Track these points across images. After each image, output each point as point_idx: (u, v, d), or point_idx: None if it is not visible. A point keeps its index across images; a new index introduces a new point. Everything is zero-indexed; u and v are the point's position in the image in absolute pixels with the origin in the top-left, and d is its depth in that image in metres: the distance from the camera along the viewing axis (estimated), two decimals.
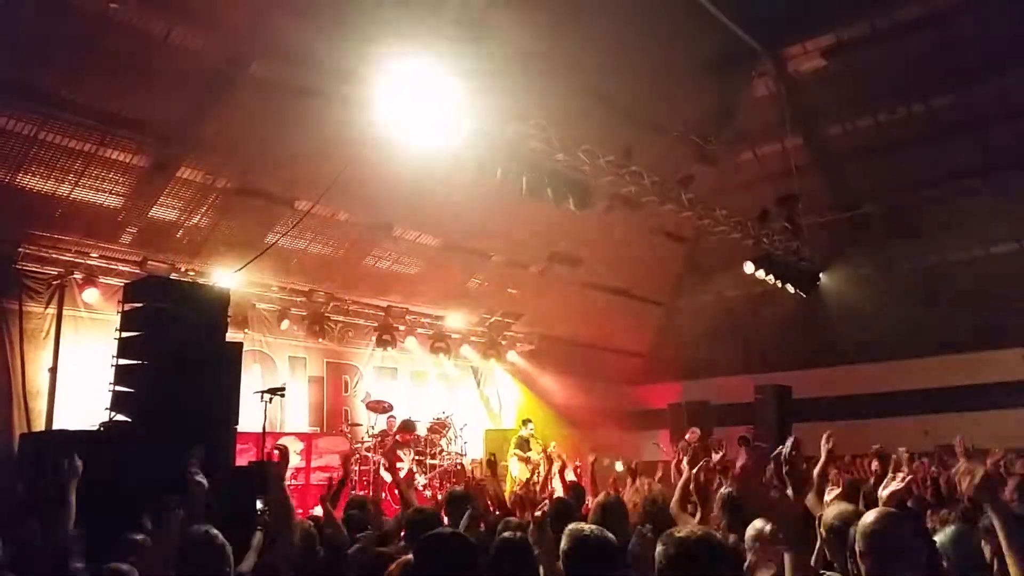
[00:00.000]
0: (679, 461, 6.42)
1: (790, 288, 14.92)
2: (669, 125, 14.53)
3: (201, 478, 4.15)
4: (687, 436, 14.39)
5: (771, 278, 14.26)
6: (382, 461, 12.28)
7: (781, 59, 14.52)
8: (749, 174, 16.25)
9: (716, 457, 5.65)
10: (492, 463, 7.39)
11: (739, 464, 9.20)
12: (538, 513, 4.13)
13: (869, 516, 3.06)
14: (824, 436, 5.45)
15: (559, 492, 7.82)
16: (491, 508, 6.24)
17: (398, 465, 11.93)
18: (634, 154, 11.79)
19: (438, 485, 13.09)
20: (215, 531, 3.25)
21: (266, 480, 6.70)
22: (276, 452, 4.09)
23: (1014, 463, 8.83)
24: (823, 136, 15.94)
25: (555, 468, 8.61)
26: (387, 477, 11.99)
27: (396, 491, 7.10)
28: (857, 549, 3.02)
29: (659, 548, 2.63)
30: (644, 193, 12.23)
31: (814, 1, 13.30)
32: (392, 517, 5.95)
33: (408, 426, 12.99)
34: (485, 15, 10.27)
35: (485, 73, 9.70)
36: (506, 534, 3.41)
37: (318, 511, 6.15)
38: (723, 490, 5.36)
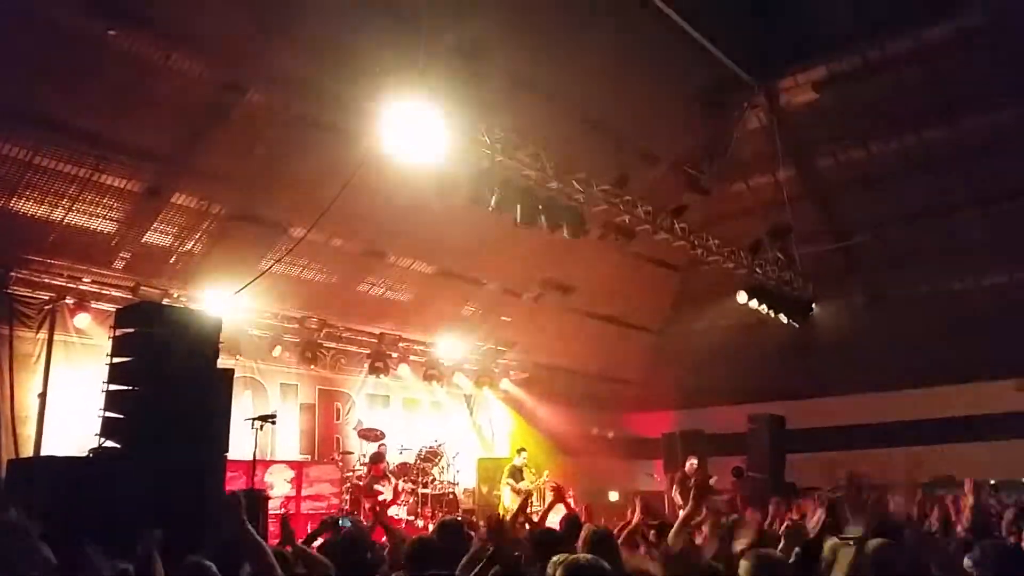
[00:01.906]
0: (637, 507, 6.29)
1: (783, 318, 14.94)
2: (662, 155, 14.63)
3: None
4: (686, 467, 14.30)
5: (764, 308, 14.28)
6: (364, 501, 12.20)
7: (773, 91, 14.66)
8: (742, 204, 16.32)
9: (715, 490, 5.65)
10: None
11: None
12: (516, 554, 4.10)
13: (869, 546, 3.06)
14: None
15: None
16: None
17: (381, 498, 11.89)
18: (628, 183, 11.85)
19: (429, 515, 12.98)
20: (207, 563, 3.18)
21: (256, 510, 6.64)
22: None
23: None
24: (815, 167, 16.05)
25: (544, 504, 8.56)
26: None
27: (380, 523, 7.03)
28: None
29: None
30: (637, 222, 12.27)
31: (806, 34, 13.47)
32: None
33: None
34: (481, 44, 10.36)
35: (480, 101, 9.77)
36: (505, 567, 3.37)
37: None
38: (722, 520, 5.33)
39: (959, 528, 6.64)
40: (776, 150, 14.98)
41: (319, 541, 5.66)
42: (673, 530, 5.24)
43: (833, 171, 15.93)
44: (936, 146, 14.57)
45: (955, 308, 15.47)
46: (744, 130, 15.57)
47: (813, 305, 16.29)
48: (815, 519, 4.62)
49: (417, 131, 9.05)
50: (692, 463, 14.29)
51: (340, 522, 6.55)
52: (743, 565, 3.33)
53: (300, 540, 5.22)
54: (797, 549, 4.19)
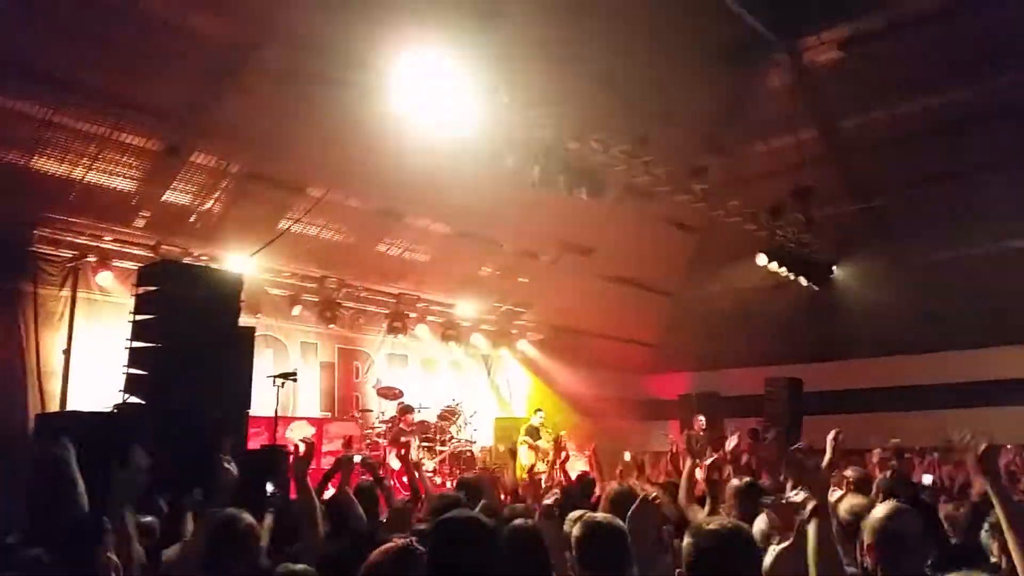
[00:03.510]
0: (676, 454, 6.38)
1: (803, 280, 14.86)
2: (682, 115, 14.46)
3: (231, 466, 4.15)
4: (694, 426, 14.38)
5: (784, 270, 14.22)
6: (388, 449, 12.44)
7: (796, 50, 14.38)
8: (762, 166, 16.13)
9: (730, 444, 5.63)
10: (512, 451, 7.40)
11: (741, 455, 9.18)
12: (548, 502, 4.15)
13: (880, 510, 3.05)
14: (832, 434, 5.34)
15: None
16: (504, 497, 6.27)
17: (403, 452, 12.11)
18: (647, 144, 11.75)
19: (447, 472, 13.16)
20: (243, 514, 3.24)
21: (277, 464, 6.75)
22: (300, 445, 4.09)
23: None
24: (838, 128, 15.80)
25: (561, 458, 8.67)
26: (395, 464, 12.08)
27: (404, 477, 7.17)
28: (865, 542, 3.01)
29: (687, 541, 2.59)
30: (656, 183, 12.19)
31: None
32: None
33: (406, 409, 13.05)
34: (499, 3, 10.23)
35: (498, 60, 9.68)
36: (517, 522, 3.42)
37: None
38: (734, 481, 5.35)
39: (974, 492, 6.63)
40: (798, 110, 14.75)
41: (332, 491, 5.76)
42: (683, 489, 5.27)
43: (856, 132, 15.68)
44: (961, 107, 14.30)
45: (977, 271, 15.29)
46: (766, 89, 15.33)
47: (833, 268, 16.20)
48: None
49: (434, 90, 9.00)
50: (699, 421, 14.36)
51: (354, 459, 6.68)
52: (758, 525, 3.34)
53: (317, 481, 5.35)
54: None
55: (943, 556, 3.60)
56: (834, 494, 4.57)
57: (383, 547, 2.86)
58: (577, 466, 11.27)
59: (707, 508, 4.86)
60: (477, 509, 4.62)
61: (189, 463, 5.88)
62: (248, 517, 3.26)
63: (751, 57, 14.52)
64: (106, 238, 11.25)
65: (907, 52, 13.72)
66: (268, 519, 4.38)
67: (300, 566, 3.22)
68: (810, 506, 2.70)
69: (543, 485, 10.00)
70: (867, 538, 2.99)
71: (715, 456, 5.20)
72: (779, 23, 13.47)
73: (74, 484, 4.13)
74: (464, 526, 3.01)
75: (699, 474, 5.34)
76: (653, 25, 12.17)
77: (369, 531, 4.58)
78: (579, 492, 5.98)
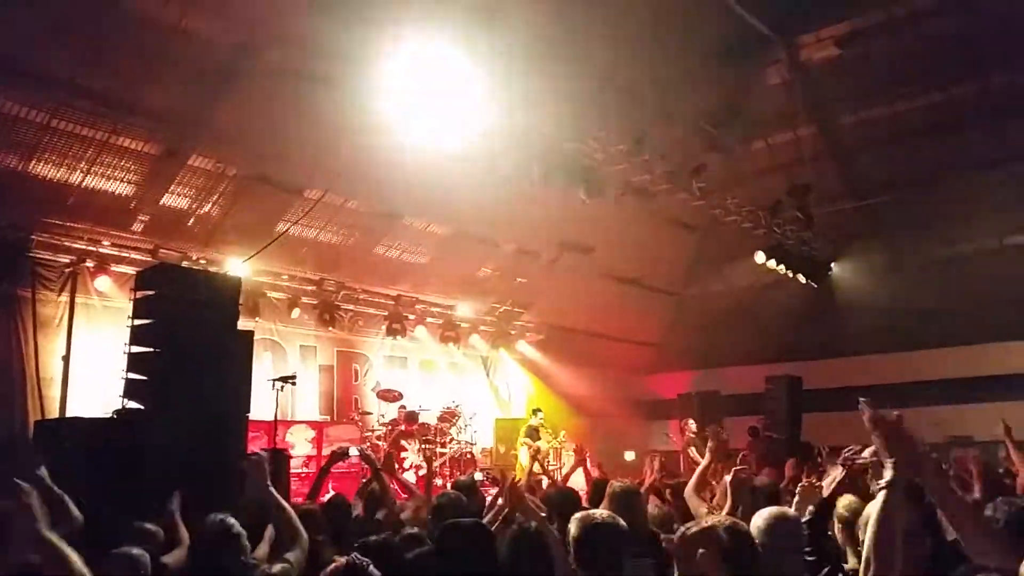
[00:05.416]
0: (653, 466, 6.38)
1: (801, 278, 14.84)
2: (681, 113, 14.42)
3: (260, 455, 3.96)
4: (684, 429, 14.32)
5: (782, 268, 14.20)
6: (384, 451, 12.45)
7: (794, 47, 14.36)
8: (761, 163, 16.12)
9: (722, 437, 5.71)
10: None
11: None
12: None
13: (874, 505, 3.03)
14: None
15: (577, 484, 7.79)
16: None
17: (403, 455, 12.17)
18: (646, 142, 11.73)
19: (448, 474, 13.14)
20: (231, 520, 3.21)
21: (277, 469, 6.72)
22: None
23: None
24: (837, 125, 15.79)
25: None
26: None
27: (397, 480, 7.18)
28: (861, 537, 3.00)
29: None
30: (655, 182, 12.18)
31: None
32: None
33: (412, 417, 13.08)
34: (498, 2, 10.20)
35: (496, 59, 9.65)
36: (523, 523, 3.41)
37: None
38: (727, 477, 5.35)
39: (976, 489, 6.60)
40: (797, 107, 14.74)
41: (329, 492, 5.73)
42: (692, 483, 5.27)
43: (855, 129, 15.67)
44: (961, 104, 14.29)
45: (976, 268, 15.29)
46: (764, 87, 15.30)
47: (832, 265, 16.18)
48: (831, 478, 4.61)
49: (432, 90, 8.98)
50: (687, 423, 14.31)
51: (350, 451, 6.66)
52: (755, 522, 3.31)
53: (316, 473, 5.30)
54: (811, 508, 4.18)
55: (939, 552, 3.59)
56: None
57: (329, 567, 2.78)
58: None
59: (727, 508, 4.83)
60: (490, 516, 4.60)
61: (190, 468, 5.87)
62: (235, 525, 3.22)
63: (750, 55, 14.49)
64: (104, 243, 11.23)
65: (905, 49, 13.70)
66: (270, 528, 4.34)
67: (277, 567, 3.19)
68: (888, 477, 2.61)
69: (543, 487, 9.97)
70: (863, 533, 2.98)
71: (737, 469, 5.13)
72: (777, 21, 13.44)
73: (62, 501, 4.12)
74: (467, 531, 3.03)
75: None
76: (652, 23, 12.14)
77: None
78: (590, 499, 5.88)
